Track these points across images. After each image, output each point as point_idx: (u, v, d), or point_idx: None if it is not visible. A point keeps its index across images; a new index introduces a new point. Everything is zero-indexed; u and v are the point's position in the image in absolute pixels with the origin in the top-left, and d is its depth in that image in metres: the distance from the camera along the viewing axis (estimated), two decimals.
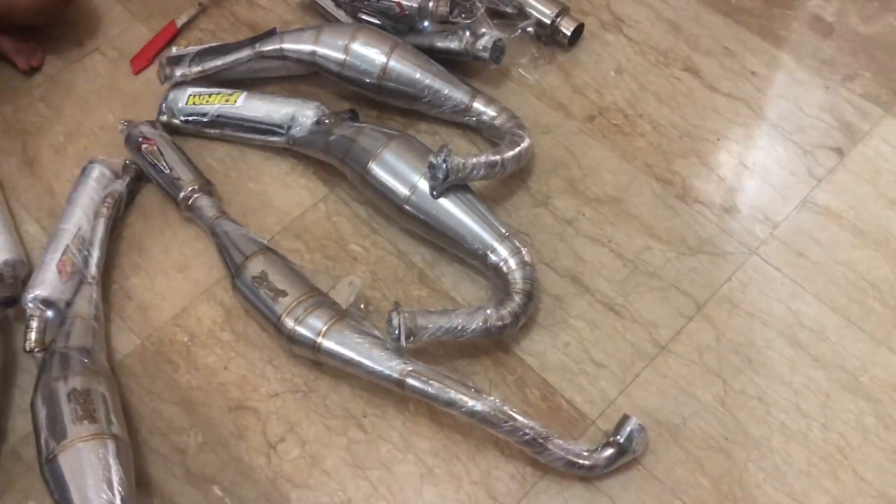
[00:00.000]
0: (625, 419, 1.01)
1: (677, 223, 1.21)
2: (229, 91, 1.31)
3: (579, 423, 1.06)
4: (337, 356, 1.04)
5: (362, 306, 1.12)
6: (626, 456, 1.00)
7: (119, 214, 1.25)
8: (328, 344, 1.04)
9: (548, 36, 1.39)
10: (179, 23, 1.47)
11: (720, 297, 1.14)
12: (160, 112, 1.33)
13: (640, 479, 1.02)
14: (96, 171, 1.25)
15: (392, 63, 1.24)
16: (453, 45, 1.30)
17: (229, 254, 1.14)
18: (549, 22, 1.37)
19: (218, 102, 1.30)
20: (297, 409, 1.09)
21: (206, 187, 1.24)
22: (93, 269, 1.16)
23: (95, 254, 1.18)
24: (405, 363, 1.01)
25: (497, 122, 1.25)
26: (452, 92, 1.25)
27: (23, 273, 1.18)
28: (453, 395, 0.99)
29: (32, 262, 1.21)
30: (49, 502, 0.96)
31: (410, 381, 1.00)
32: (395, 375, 1.01)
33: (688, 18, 1.42)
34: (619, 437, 1.00)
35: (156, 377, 1.13)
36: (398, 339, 1.02)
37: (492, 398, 0.99)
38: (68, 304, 1.13)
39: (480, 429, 1.01)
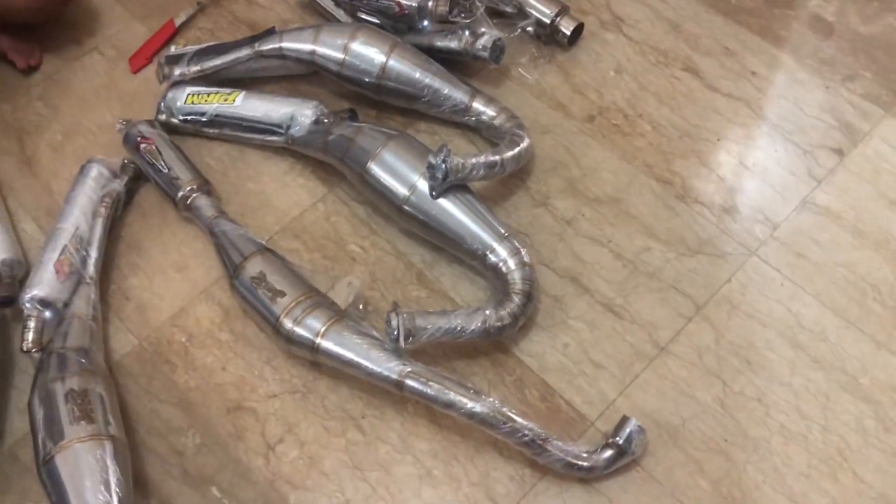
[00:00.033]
0: (624, 420, 1.00)
1: (677, 224, 1.21)
2: (228, 90, 1.31)
3: (578, 425, 1.06)
4: (335, 357, 1.03)
5: (361, 307, 1.12)
6: (625, 457, 1.00)
7: (117, 214, 1.25)
8: (327, 345, 1.03)
9: (547, 35, 1.39)
10: (178, 22, 1.47)
11: (720, 298, 1.14)
12: (159, 111, 1.33)
13: (640, 481, 1.01)
14: (94, 171, 1.25)
15: (391, 62, 1.23)
16: (453, 44, 1.30)
17: (228, 254, 1.14)
18: (548, 21, 1.37)
19: (216, 102, 1.30)
20: (295, 410, 1.08)
21: (205, 187, 1.24)
22: (91, 268, 1.16)
23: (93, 253, 1.17)
24: (404, 364, 1.01)
25: (496, 121, 1.24)
26: (452, 91, 1.25)
27: (20, 273, 1.18)
28: (452, 396, 0.98)
29: (30, 261, 1.20)
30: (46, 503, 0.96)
31: (409, 382, 1.00)
32: (394, 376, 1.00)
33: (688, 18, 1.42)
34: (618, 438, 0.99)
35: (154, 378, 1.12)
36: (397, 339, 1.01)
37: (491, 399, 0.99)
38: (66, 304, 1.13)
39: (479, 430, 1.01)
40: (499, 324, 1.05)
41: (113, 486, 0.93)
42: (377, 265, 1.20)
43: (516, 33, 1.36)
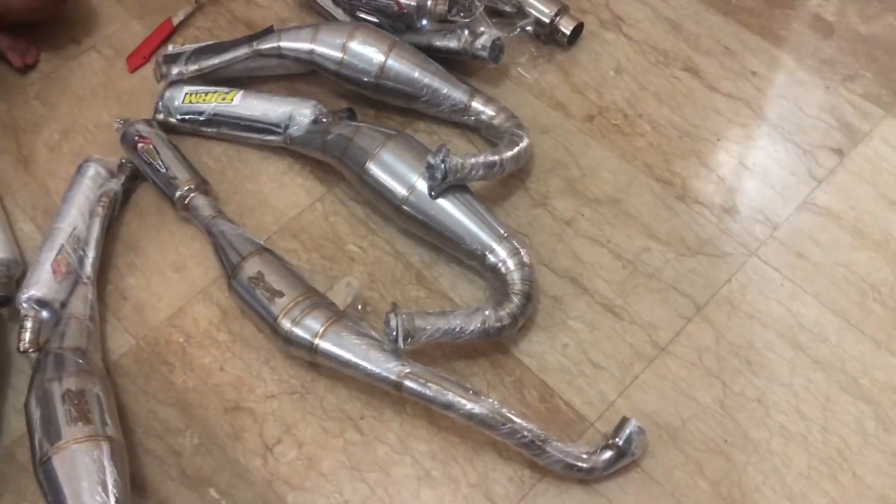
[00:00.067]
0: (624, 421, 1.00)
1: (677, 224, 1.20)
2: (226, 89, 1.30)
3: (578, 425, 1.05)
4: (334, 358, 1.03)
5: (360, 307, 1.12)
6: (625, 458, 0.99)
7: (115, 213, 1.24)
8: (325, 345, 1.03)
9: (547, 35, 1.38)
10: (176, 20, 1.47)
11: (720, 299, 1.14)
12: (156, 110, 1.32)
13: (639, 482, 1.01)
14: (92, 170, 1.25)
15: (390, 62, 1.23)
16: (452, 43, 1.30)
17: (226, 254, 1.14)
18: (548, 21, 1.37)
19: (214, 101, 1.29)
20: (293, 411, 1.08)
21: (203, 186, 1.23)
22: (88, 268, 1.15)
23: (91, 253, 1.17)
24: (403, 365, 1.01)
25: (496, 121, 1.24)
26: (451, 91, 1.24)
27: (17, 272, 1.17)
28: (451, 397, 0.98)
29: (27, 261, 1.20)
30: None
31: (408, 383, 0.99)
32: (393, 377, 1.00)
33: (688, 18, 1.42)
34: (617, 439, 0.99)
35: (151, 378, 1.12)
36: (396, 340, 1.01)
37: (490, 400, 0.98)
38: (63, 304, 1.12)
39: (478, 431, 1.01)
40: (498, 324, 1.05)
41: (110, 487, 0.93)
42: (376, 265, 1.19)
43: (515, 32, 1.36)
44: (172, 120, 1.31)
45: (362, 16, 1.35)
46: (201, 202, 1.21)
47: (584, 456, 0.99)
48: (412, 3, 1.28)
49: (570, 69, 1.37)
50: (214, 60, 1.31)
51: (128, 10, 1.51)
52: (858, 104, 1.30)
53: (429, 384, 0.99)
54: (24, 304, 1.11)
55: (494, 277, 1.11)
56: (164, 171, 1.23)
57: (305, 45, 1.26)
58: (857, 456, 1.01)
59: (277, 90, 1.35)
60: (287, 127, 1.25)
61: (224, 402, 1.09)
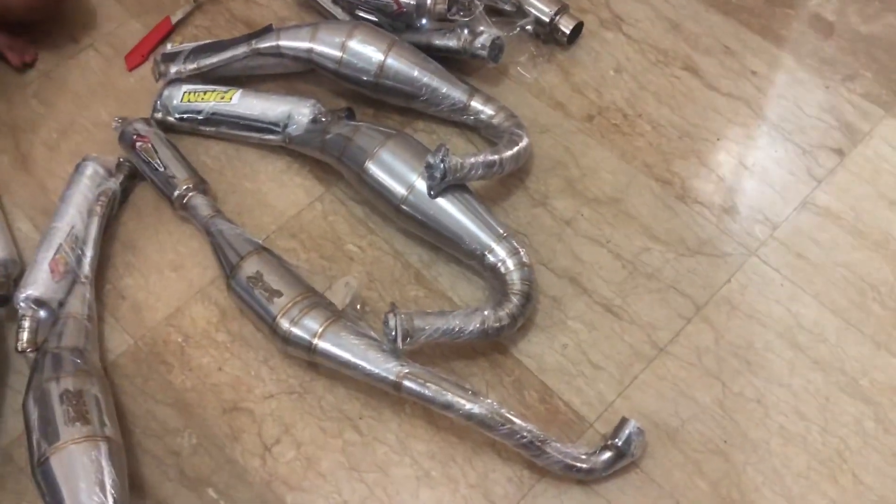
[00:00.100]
0: (623, 422, 1.00)
1: (676, 224, 1.20)
2: (224, 88, 1.30)
3: (577, 426, 1.05)
4: (333, 358, 1.03)
5: (358, 307, 1.11)
6: (624, 459, 0.99)
7: (113, 213, 1.24)
8: (324, 345, 1.03)
9: (546, 34, 1.38)
10: (174, 19, 1.46)
11: (719, 299, 1.13)
12: (155, 109, 1.32)
13: (638, 483, 1.01)
14: (90, 169, 1.24)
15: (389, 61, 1.23)
16: (451, 42, 1.29)
17: (224, 253, 1.13)
18: (547, 20, 1.36)
19: (213, 100, 1.29)
20: (292, 411, 1.08)
21: (201, 186, 1.23)
22: (86, 268, 1.15)
23: (89, 253, 1.16)
24: (402, 365, 1.00)
25: (495, 120, 1.24)
26: (450, 90, 1.24)
27: (15, 272, 1.17)
28: (450, 397, 0.98)
29: (25, 260, 1.20)
30: None
31: (407, 383, 0.99)
32: (392, 378, 1.00)
33: (688, 17, 1.41)
34: (617, 440, 0.99)
35: (149, 378, 1.11)
36: (395, 340, 1.01)
37: (489, 401, 0.98)
38: (61, 304, 1.12)
39: (477, 431, 1.00)
40: (497, 324, 1.05)
41: (108, 488, 0.92)
42: (375, 265, 1.19)
43: (515, 32, 1.35)
44: (171, 119, 1.31)
45: (361, 15, 1.35)
46: (200, 201, 1.20)
47: (584, 456, 0.99)
48: (411, 2, 1.28)
49: (569, 68, 1.37)
50: (213, 59, 1.31)
51: (126, 8, 1.50)
52: (858, 104, 1.30)
53: (428, 384, 0.99)
54: (22, 304, 1.10)
55: (493, 277, 1.10)
56: (162, 170, 1.23)
57: (304, 44, 1.26)
58: (857, 457, 1.01)
59: (276, 89, 1.35)
60: (286, 126, 1.25)
61: (222, 402, 1.09)
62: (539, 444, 0.97)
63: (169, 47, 1.37)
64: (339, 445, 1.05)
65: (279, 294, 1.06)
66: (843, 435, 1.03)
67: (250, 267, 1.10)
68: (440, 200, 1.12)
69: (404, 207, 1.13)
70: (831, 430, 1.03)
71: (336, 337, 1.03)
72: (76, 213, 1.19)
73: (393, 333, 1.01)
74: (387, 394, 1.04)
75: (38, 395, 1.00)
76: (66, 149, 1.34)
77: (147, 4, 1.50)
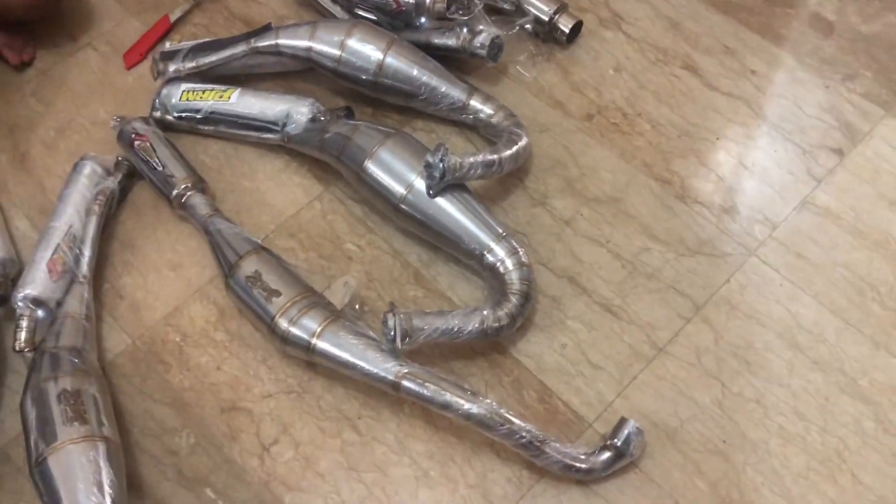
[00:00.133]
0: (622, 422, 1.00)
1: (676, 224, 1.20)
2: (223, 87, 1.30)
3: (576, 426, 1.05)
4: (331, 357, 1.02)
5: (357, 307, 1.11)
6: (623, 459, 0.99)
7: (111, 212, 1.24)
8: (323, 345, 1.02)
9: (546, 33, 1.38)
10: (173, 17, 1.46)
11: (719, 299, 1.13)
12: (153, 108, 1.32)
13: (638, 483, 1.01)
14: (88, 168, 1.24)
15: (388, 60, 1.22)
16: (450, 41, 1.29)
17: (223, 253, 1.13)
18: (547, 19, 1.36)
19: (212, 99, 1.29)
20: (290, 411, 1.07)
21: (200, 185, 1.23)
22: (84, 267, 1.15)
23: (87, 252, 1.16)
24: (400, 365, 1.00)
25: (494, 120, 1.23)
26: (449, 89, 1.24)
27: (13, 271, 1.17)
28: (449, 397, 0.98)
29: (23, 260, 1.19)
30: None
31: (406, 383, 0.99)
32: (391, 377, 1.00)
33: (687, 16, 1.41)
34: (616, 440, 0.99)
35: (148, 377, 1.11)
36: (394, 340, 1.00)
37: (488, 401, 0.98)
38: (59, 304, 1.11)
39: (476, 431, 1.00)
40: (496, 324, 1.04)
41: (106, 488, 0.92)
42: (374, 264, 1.19)
43: (514, 31, 1.35)
44: (169, 117, 1.31)
45: (360, 13, 1.35)
46: (198, 200, 1.20)
47: (583, 457, 0.98)
48: (411, 1, 1.27)
49: (569, 67, 1.37)
50: (212, 58, 1.31)
51: (125, 6, 1.50)
52: (858, 103, 1.30)
53: (427, 384, 0.99)
54: (20, 304, 1.10)
55: (493, 277, 1.10)
56: (160, 169, 1.22)
57: (303, 43, 1.25)
58: (856, 457, 1.01)
59: (275, 88, 1.35)
60: (284, 125, 1.25)
61: (221, 401, 1.09)
62: (538, 444, 0.97)
63: (167, 46, 1.37)
64: (338, 445, 1.05)
65: (278, 293, 1.06)
66: (842, 435, 1.03)
67: (249, 266, 1.09)
68: (439, 200, 1.11)
69: (403, 207, 1.13)
70: (831, 431, 1.03)
71: (335, 336, 1.03)
72: (74, 213, 1.18)
73: (392, 333, 1.01)
74: (385, 394, 1.04)
75: (36, 395, 0.99)
76: (64, 148, 1.33)
77: (145, 3, 1.50)
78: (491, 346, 1.10)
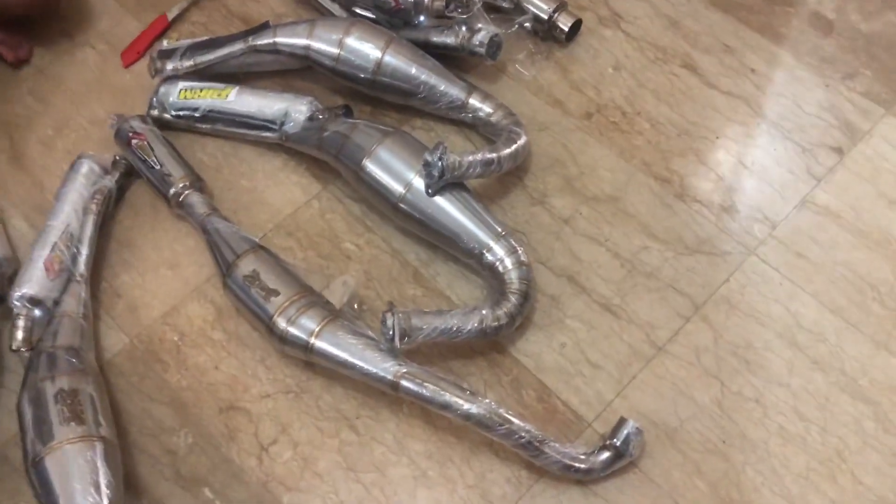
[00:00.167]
0: (621, 422, 0.99)
1: (675, 223, 1.20)
2: (221, 85, 1.29)
3: (575, 426, 1.05)
4: (330, 357, 1.02)
5: (356, 306, 1.11)
6: (622, 459, 0.99)
7: (108, 211, 1.23)
8: (321, 345, 1.02)
9: (545, 31, 1.37)
10: (171, 16, 1.45)
11: (718, 298, 1.13)
12: (151, 106, 1.31)
13: (637, 483, 1.00)
14: (85, 167, 1.23)
15: (387, 58, 1.22)
16: (449, 40, 1.28)
17: (220, 252, 1.13)
18: (546, 17, 1.35)
19: (209, 97, 1.28)
20: (289, 411, 1.07)
21: (197, 183, 1.22)
22: (81, 266, 1.14)
23: (84, 251, 1.16)
24: (399, 365, 1.00)
25: (493, 118, 1.23)
26: (448, 88, 1.23)
27: (9, 270, 1.17)
28: (448, 397, 0.97)
29: (20, 258, 1.19)
30: None
31: (404, 383, 0.99)
32: (389, 377, 0.99)
33: (687, 14, 1.41)
34: (615, 440, 0.98)
35: (145, 377, 1.11)
36: (392, 339, 1.00)
37: (487, 401, 0.97)
38: (56, 303, 1.11)
39: (475, 431, 1.00)
40: (495, 324, 1.04)
41: (103, 488, 0.92)
42: (372, 263, 1.18)
43: (513, 29, 1.35)
44: (167, 116, 1.30)
45: (359, 11, 1.34)
46: (196, 199, 1.20)
47: (582, 456, 0.98)
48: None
49: (568, 66, 1.36)
50: (210, 56, 1.30)
51: (122, 5, 1.50)
52: (858, 102, 1.30)
53: (425, 384, 0.98)
54: (17, 303, 1.10)
55: (492, 276, 1.10)
56: (158, 167, 1.22)
57: (301, 41, 1.25)
58: (856, 457, 1.01)
59: (273, 86, 1.34)
60: (283, 123, 1.24)
61: (219, 401, 1.08)
62: (537, 443, 0.96)
63: (165, 44, 1.36)
64: (336, 445, 1.05)
65: (276, 293, 1.06)
66: (842, 435, 1.03)
67: (247, 265, 1.09)
68: (438, 199, 1.11)
69: (402, 206, 1.13)
70: (830, 430, 1.03)
71: (333, 336, 1.02)
72: (71, 211, 1.18)
73: (390, 333, 1.00)
74: (384, 393, 1.04)
75: (33, 395, 0.99)
76: (61, 146, 1.33)
77: (143, 1, 1.49)
78: (490, 345, 1.10)
